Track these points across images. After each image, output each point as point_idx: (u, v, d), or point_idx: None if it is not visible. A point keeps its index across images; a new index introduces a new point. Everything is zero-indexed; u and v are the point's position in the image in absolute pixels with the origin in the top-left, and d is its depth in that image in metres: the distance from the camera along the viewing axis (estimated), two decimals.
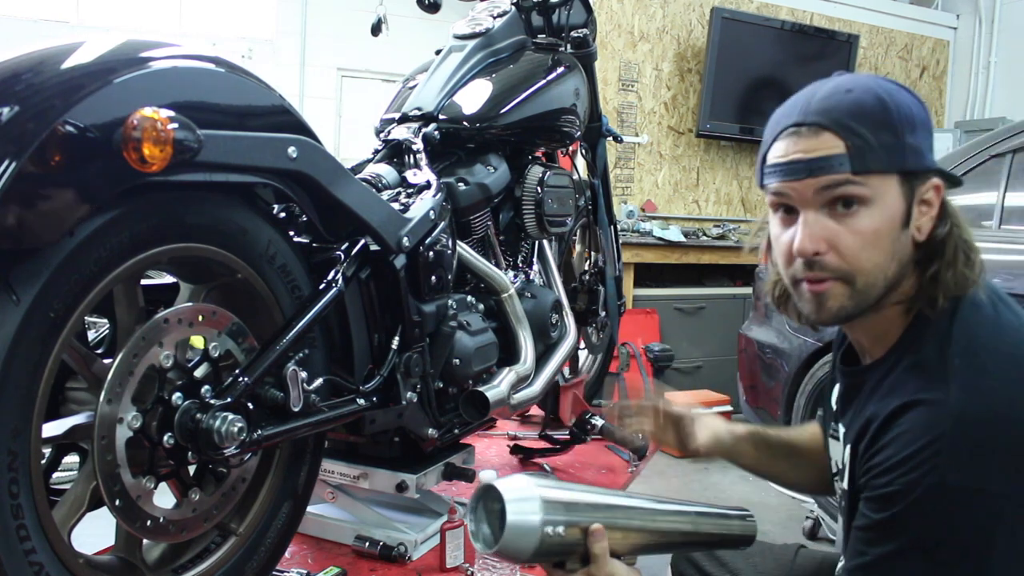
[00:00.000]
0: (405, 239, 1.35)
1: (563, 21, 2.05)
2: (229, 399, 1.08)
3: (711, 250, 4.56)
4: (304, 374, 1.17)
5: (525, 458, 2.11)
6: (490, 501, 0.96)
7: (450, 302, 1.51)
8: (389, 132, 1.68)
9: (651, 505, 1.10)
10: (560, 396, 2.06)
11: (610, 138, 2.39)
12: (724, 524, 1.15)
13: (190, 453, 1.06)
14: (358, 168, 1.59)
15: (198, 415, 1.05)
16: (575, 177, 2.13)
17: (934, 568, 0.88)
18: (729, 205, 5.08)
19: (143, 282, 1.09)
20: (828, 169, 0.94)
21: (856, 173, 0.93)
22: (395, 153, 1.64)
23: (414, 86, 1.79)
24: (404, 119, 1.70)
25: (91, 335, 1.16)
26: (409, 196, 1.47)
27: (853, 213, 0.94)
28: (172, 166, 0.89)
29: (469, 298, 1.63)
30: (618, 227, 2.48)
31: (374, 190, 1.39)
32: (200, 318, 1.10)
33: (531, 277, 1.92)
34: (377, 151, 1.67)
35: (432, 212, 1.43)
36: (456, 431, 1.61)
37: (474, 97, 1.73)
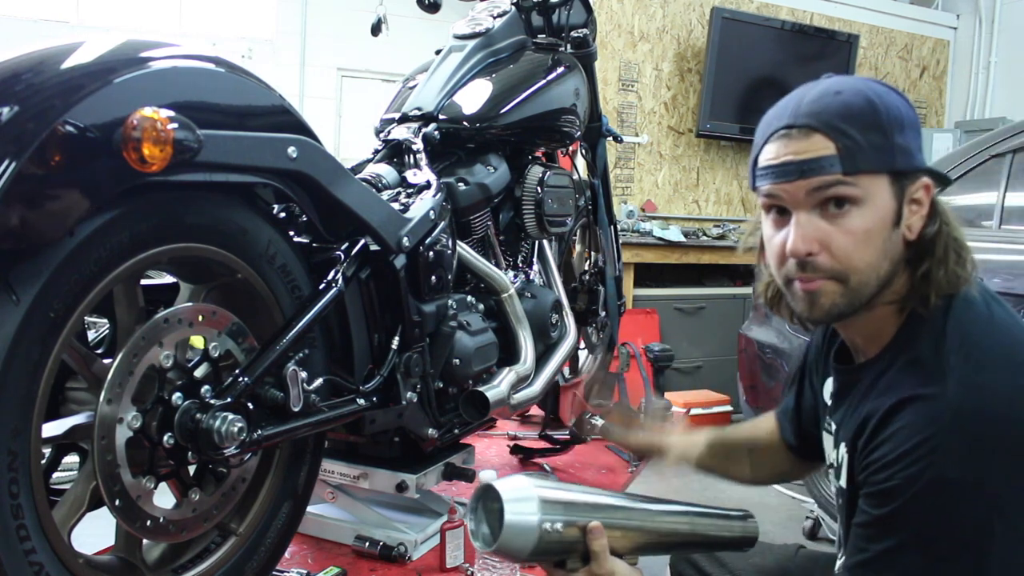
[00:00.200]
0: (405, 239, 1.35)
1: (563, 21, 2.05)
2: (229, 399, 1.08)
3: (711, 250, 4.56)
4: (304, 374, 1.17)
5: (525, 458, 2.11)
6: (489, 501, 0.97)
7: (450, 302, 1.51)
8: (389, 132, 1.68)
9: (650, 505, 1.10)
10: (560, 396, 2.06)
11: (610, 138, 2.39)
12: (725, 525, 1.16)
13: (190, 453, 1.06)
14: (358, 168, 1.59)
15: (198, 415, 1.05)
16: (575, 177, 2.13)
17: (934, 563, 0.89)
18: (729, 205, 5.08)
19: (143, 282, 1.09)
20: (819, 170, 0.95)
21: (847, 174, 0.94)
22: (395, 153, 1.64)
23: (414, 86, 1.79)
24: (404, 119, 1.70)
25: (91, 335, 1.16)
26: (409, 196, 1.47)
27: (845, 213, 0.95)
28: (172, 166, 0.89)
29: (469, 298, 1.63)
30: (618, 227, 2.48)
31: (374, 190, 1.39)
32: (200, 318, 1.10)
33: (531, 277, 1.92)
34: (377, 151, 1.67)
35: (432, 212, 1.43)
36: (456, 431, 1.61)
37: (474, 97, 1.73)
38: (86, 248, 0.91)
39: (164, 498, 1.08)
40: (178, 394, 1.05)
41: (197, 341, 1.11)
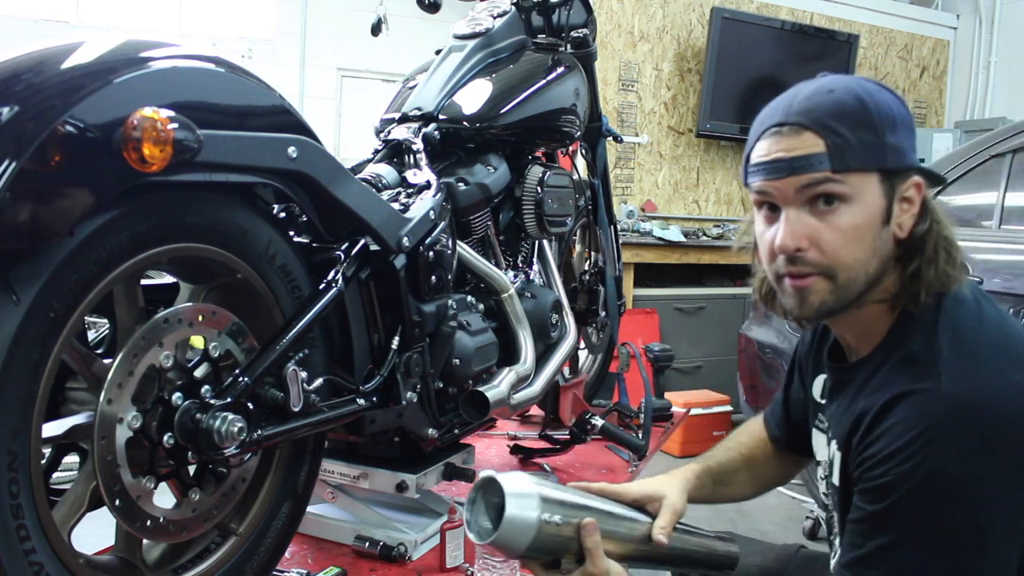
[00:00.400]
0: (405, 239, 1.35)
1: (563, 21, 2.05)
2: (229, 399, 1.08)
3: (711, 250, 4.56)
4: (304, 374, 1.17)
5: (525, 458, 2.11)
6: (490, 494, 0.98)
7: (450, 302, 1.51)
8: (389, 132, 1.68)
9: (641, 516, 1.12)
10: (560, 396, 2.06)
11: (610, 138, 2.39)
12: (709, 546, 1.18)
13: (190, 453, 1.06)
14: (358, 168, 1.59)
15: (198, 415, 1.05)
16: (575, 177, 2.13)
17: (930, 557, 0.89)
18: (729, 205, 5.08)
19: (143, 282, 1.09)
20: (808, 168, 0.96)
21: (836, 171, 0.95)
22: (395, 153, 1.64)
23: (414, 86, 1.79)
24: (404, 119, 1.69)
25: (91, 335, 1.16)
26: (409, 196, 1.47)
27: (834, 210, 0.96)
28: (172, 166, 0.89)
29: (469, 298, 1.63)
30: (618, 227, 2.48)
31: (374, 190, 1.39)
32: (200, 318, 1.10)
33: (531, 277, 1.92)
34: (377, 151, 1.67)
35: (432, 212, 1.43)
36: (456, 431, 1.61)
37: (474, 97, 1.73)
38: (86, 248, 0.91)
39: (164, 498, 1.08)
40: (178, 394, 1.05)
41: (197, 341, 1.11)
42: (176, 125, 0.88)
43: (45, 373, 0.90)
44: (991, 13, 5.56)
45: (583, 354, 2.42)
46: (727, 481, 1.28)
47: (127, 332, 1.04)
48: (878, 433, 0.94)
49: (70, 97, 0.84)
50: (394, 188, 1.51)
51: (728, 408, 4.26)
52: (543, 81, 1.85)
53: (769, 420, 1.34)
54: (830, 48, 5.00)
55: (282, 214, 1.28)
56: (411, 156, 1.60)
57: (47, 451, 1.13)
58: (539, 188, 1.84)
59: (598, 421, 2.09)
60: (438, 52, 1.85)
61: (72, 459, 1.16)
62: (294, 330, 1.16)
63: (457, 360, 1.52)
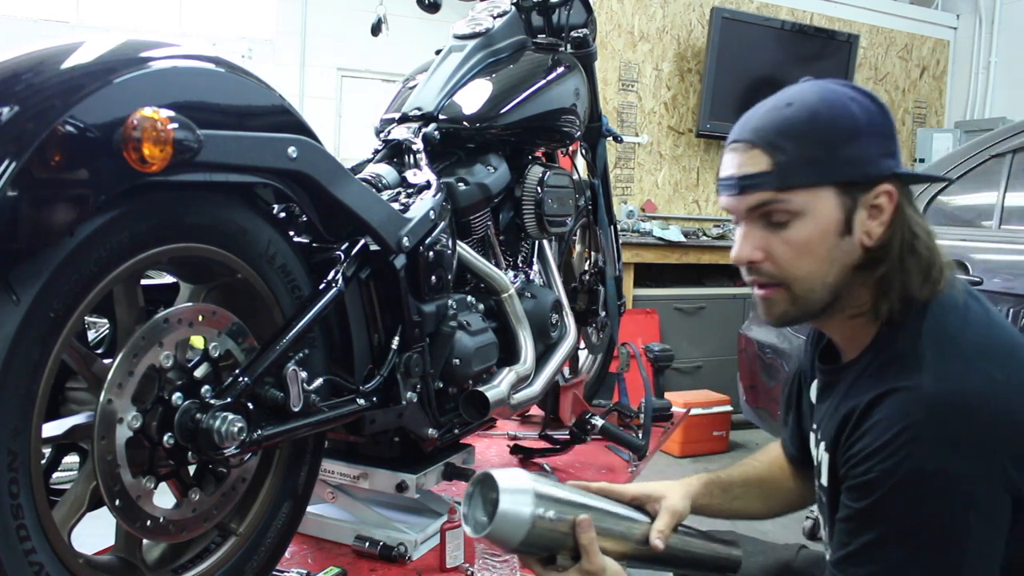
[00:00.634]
0: (405, 239, 1.35)
1: (563, 21, 2.05)
2: (229, 399, 1.08)
3: (711, 250, 4.56)
4: (304, 374, 1.17)
5: (525, 458, 2.11)
6: (487, 489, 1.00)
7: (450, 302, 1.51)
8: (389, 132, 1.68)
9: (640, 516, 1.13)
10: (560, 396, 2.06)
11: (610, 138, 2.39)
12: (712, 548, 1.18)
13: (190, 453, 1.06)
14: (358, 168, 1.59)
15: (198, 415, 1.05)
16: (575, 177, 2.13)
17: (915, 553, 0.90)
18: None
19: (143, 282, 1.09)
20: (754, 187, 0.99)
21: (780, 190, 0.97)
22: (395, 153, 1.64)
23: (414, 86, 1.79)
24: (404, 119, 1.69)
25: (91, 335, 1.16)
26: (409, 196, 1.47)
27: (786, 224, 0.98)
28: (172, 166, 0.89)
29: (469, 298, 1.63)
30: (618, 227, 2.48)
31: (374, 190, 1.39)
32: (200, 318, 1.10)
33: (531, 277, 1.91)
34: (377, 151, 1.67)
35: (432, 212, 1.43)
36: (456, 431, 1.61)
37: (474, 97, 1.73)
38: (86, 248, 0.91)
39: (164, 498, 1.08)
40: (178, 394, 1.05)
41: (197, 341, 1.11)
42: (176, 125, 0.88)
43: (45, 373, 0.90)
44: (991, 13, 5.56)
45: (583, 354, 2.42)
46: (737, 494, 1.27)
47: (127, 332, 1.04)
48: (862, 431, 0.95)
49: (70, 97, 0.84)
50: (394, 188, 1.51)
51: (728, 408, 4.25)
52: (543, 81, 1.85)
53: (784, 438, 1.33)
54: (830, 48, 4.99)
55: (282, 214, 1.28)
56: (411, 156, 1.60)
57: (47, 451, 1.13)
58: (539, 188, 1.84)
59: (598, 421, 2.09)
60: (438, 52, 1.85)
61: (72, 459, 1.16)
62: (294, 330, 1.16)
63: (457, 360, 1.52)
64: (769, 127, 0.99)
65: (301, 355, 1.21)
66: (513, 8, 1.91)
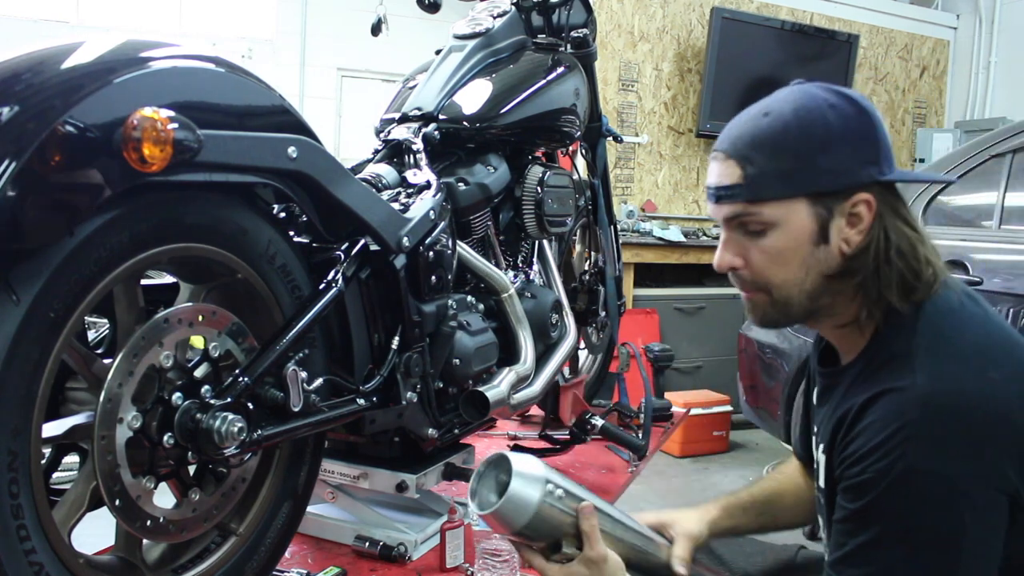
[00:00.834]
0: (405, 239, 1.35)
1: (563, 21, 2.05)
2: (229, 399, 1.08)
3: (711, 250, 4.52)
4: (304, 374, 1.17)
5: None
6: (499, 471, 1.06)
7: (450, 302, 1.51)
8: (389, 132, 1.67)
9: (636, 525, 1.15)
10: (560, 396, 2.06)
11: (610, 138, 2.39)
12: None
13: (190, 453, 1.06)
14: (358, 168, 1.59)
15: (198, 415, 1.05)
16: (575, 177, 2.13)
17: (910, 553, 0.90)
18: None
19: (143, 282, 1.09)
20: (728, 198, 1.01)
21: (751, 202, 0.99)
22: (395, 153, 1.64)
23: (414, 86, 1.79)
24: (404, 119, 1.69)
25: (91, 335, 1.16)
26: (409, 196, 1.47)
27: (762, 233, 1.01)
28: (172, 166, 0.89)
29: (469, 298, 1.63)
30: (618, 227, 2.48)
31: (374, 190, 1.39)
32: (200, 318, 1.10)
33: (531, 277, 1.91)
34: (377, 151, 1.67)
35: (432, 212, 1.42)
36: (456, 431, 1.61)
37: (474, 97, 1.73)
38: (86, 248, 0.91)
39: (164, 498, 1.08)
40: (178, 394, 1.05)
41: (197, 341, 1.11)
42: (176, 125, 0.88)
43: (45, 373, 0.90)
44: (991, 13, 5.56)
45: (583, 354, 2.42)
46: (761, 510, 1.28)
47: (127, 332, 1.04)
48: (857, 431, 0.95)
49: (70, 97, 0.84)
50: (394, 188, 1.51)
51: (728, 408, 4.25)
52: (543, 81, 1.85)
53: (795, 443, 1.34)
54: (830, 48, 4.99)
55: (282, 214, 1.28)
56: (411, 156, 1.60)
57: (47, 451, 1.13)
58: (539, 188, 1.84)
59: (598, 421, 2.09)
60: (438, 52, 1.85)
61: (72, 459, 1.16)
62: (294, 330, 1.16)
63: (457, 360, 1.52)
64: (744, 138, 1.00)
65: (301, 355, 1.21)
66: (513, 8, 1.91)
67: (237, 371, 1.11)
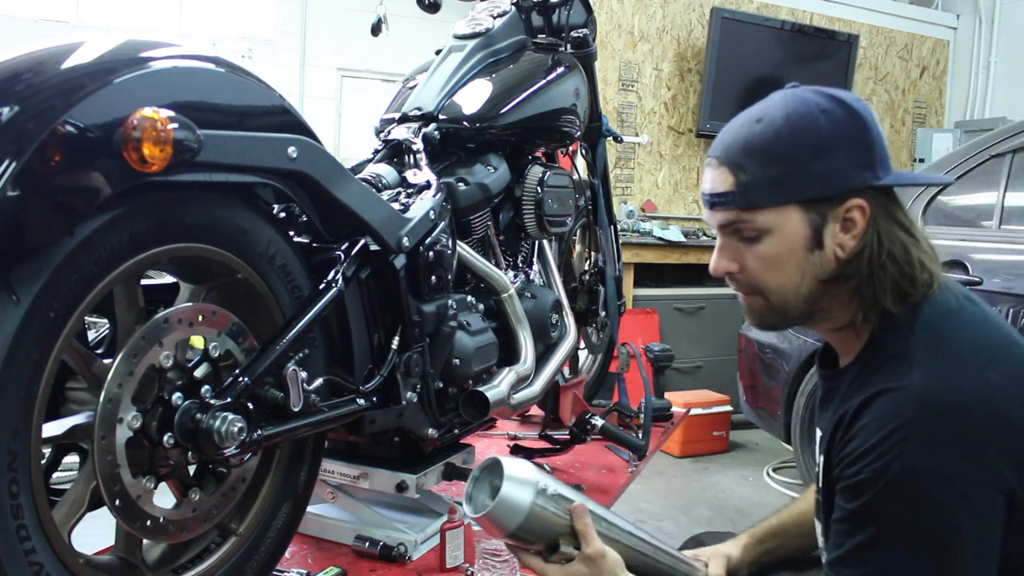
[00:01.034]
0: (405, 239, 1.35)
1: (563, 21, 2.05)
2: (229, 399, 1.08)
3: (711, 250, 4.52)
4: (304, 374, 1.17)
5: (525, 458, 2.11)
6: (493, 475, 1.07)
7: (450, 302, 1.51)
8: (389, 132, 1.67)
9: (625, 525, 1.16)
10: (560, 396, 2.06)
11: (610, 138, 2.39)
12: (673, 567, 1.19)
13: (190, 453, 1.06)
14: (358, 168, 1.59)
15: (198, 415, 1.05)
16: (575, 177, 2.13)
17: (907, 553, 0.90)
18: None
19: (143, 282, 1.09)
20: (721, 205, 1.02)
21: (744, 210, 1.00)
22: (395, 153, 1.64)
23: (414, 86, 1.79)
24: (404, 119, 1.69)
25: (91, 335, 1.16)
26: (409, 196, 1.47)
27: (756, 239, 1.01)
28: (172, 166, 0.89)
29: (469, 298, 1.63)
30: (618, 227, 2.48)
31: (374, 190, 1.39)
32: (200, 318, 1.10)
33: (531, 277, 1.91)
34: (377, 151, 1.67)
35: (432, 212, 1.43)
36: (456, 431, 1.61)
37: (474, 97, 1.73)
38: (86, 248, 0.91)
39: (164, 498, 1.08)
40: (178, 394, 1.05)
41: (197, 341, 1.11)
42: (176, 125, 0.88)
43: (45, 373, 0.90)
44: (991, 13, 5.56)
45: (583, 354, 2.42)
46: (794, 532, 1.28)
47: (127, 332, 1.04)
48: (854, 432, 0.95)
49: (70, 97, 0.84)
50: (394, 188, 1.51)
51: (728, 408, 4.25)
52: (543, 81, 1.85)
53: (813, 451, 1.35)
54: (830, 48, 4.99)
55: (282, 214, 1.28)
56: (411, 156, 1.60)
57: (47, 451, 1.13)
58: (539, 188, 1.84)
59: (598, 421, 2.09)
60: (438, 52, 1.85)
61: (72, 459, 1.16)
62: (294, 330, 1.16)
63: (457, 360, 1.52)
64: (737, 145, 1.01)
65: (301, 355, 1.21)
66: (513, 8, 1.91)
67: (237, 371, 1.11)
